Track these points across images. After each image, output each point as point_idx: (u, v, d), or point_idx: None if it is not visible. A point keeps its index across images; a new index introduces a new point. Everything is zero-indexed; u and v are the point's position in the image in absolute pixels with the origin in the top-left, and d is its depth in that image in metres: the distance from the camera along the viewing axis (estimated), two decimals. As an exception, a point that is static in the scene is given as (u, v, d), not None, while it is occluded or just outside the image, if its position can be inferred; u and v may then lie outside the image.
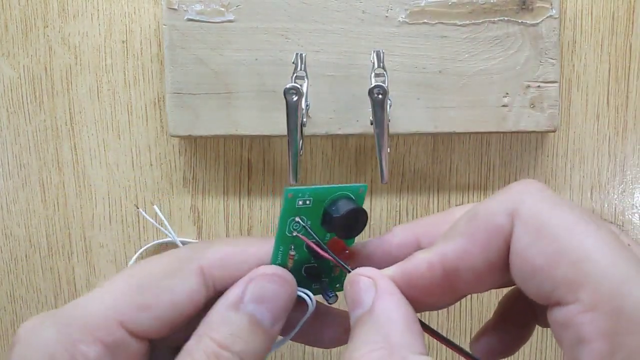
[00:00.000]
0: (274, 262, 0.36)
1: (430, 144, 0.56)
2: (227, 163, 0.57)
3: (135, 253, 0.58)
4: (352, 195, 0.36)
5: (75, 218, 0.58)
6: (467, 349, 0.34)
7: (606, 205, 0.56)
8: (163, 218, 0.57)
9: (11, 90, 0.56)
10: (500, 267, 0.32)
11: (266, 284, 0.35)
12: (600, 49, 0.55)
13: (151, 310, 0.34)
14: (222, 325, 0.34)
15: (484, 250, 0.32)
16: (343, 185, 0.36)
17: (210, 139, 0.56)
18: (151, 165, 0.57)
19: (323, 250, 0.36)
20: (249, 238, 0.38)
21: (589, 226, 0.29)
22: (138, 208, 0.57)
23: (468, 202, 0.56)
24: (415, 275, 0.33)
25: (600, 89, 0.55)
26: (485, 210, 0.32)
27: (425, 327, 0.33)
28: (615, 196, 0.56)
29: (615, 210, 0.56)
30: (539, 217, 0.30)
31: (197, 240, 0.57)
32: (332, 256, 0.36)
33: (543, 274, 0.29)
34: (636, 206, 0.56)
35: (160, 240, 0.58)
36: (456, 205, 0.38)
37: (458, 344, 0.34)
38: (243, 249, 0.37)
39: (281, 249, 0.36)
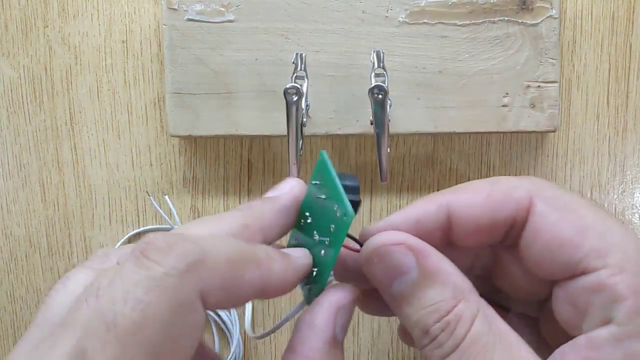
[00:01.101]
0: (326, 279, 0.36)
1: (430, 144, 0.56)
2: (227, 163, 0.57)
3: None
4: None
5: (75, 218, 0.58)
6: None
7: (606, 205, 0.56)
8: (172, 207, 0.57)
9: (11, 90, 0.56)
10: (498, 234, 0.36)
11: (349, 308, 0.35)
12: (600, 49, 0.55)
13: None
14: None
15: (494, 210, 0.35)
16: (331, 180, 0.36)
17: (210, 139, 0.56)
18: (151, 165, 0.57)
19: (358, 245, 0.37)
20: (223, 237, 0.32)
21: (601, 209, 0.35)
22: (149, 195, 0.57)
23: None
24: (420, 215, 0.36)
25: (600, 89, 0.55)
26: (508, 182, 0.36)
27: None
28: (615, 196, 0.56)
29: (615, 210, 0.56)
30: (562, 199, 0.34)
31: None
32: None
33: (571, 245, 0.33)
34: (636, 206, 0.56)
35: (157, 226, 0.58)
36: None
37: None
38: (242, 269, 0.31)
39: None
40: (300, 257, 0.36)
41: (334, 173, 0.36)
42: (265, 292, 0.33)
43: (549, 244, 0.34)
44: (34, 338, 0.31)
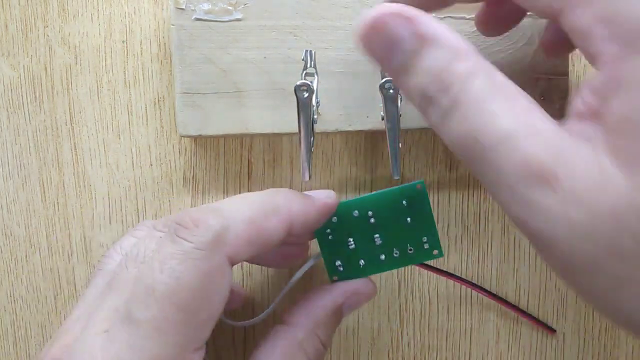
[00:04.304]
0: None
1: (431, 144, 0.57)
2: (227, 163, 0.57)
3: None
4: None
5: (75, 218, 0.57)
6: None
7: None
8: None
9: (11, 90, 0.56)
10: None
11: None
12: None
13: (208, 331, 0.36)
14: (325, 328, 0.43)
15: None
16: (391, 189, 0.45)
17: (211, 139, 0.56)
18: (151, 165, 0.57)
19: None
20: (260, 200, 0.40)
21: None
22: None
23: (468, 201, 0.57)
24: None
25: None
26: None
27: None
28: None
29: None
30: None
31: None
32: None
33: None
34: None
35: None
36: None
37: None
38: (264, 221, 0.38)
39: None
40: (323, 197, 0.43)
41: (430, 208, 0.44)
42: (292, 233, 0.40)
43: None
44: (89, 297, 0.41)
